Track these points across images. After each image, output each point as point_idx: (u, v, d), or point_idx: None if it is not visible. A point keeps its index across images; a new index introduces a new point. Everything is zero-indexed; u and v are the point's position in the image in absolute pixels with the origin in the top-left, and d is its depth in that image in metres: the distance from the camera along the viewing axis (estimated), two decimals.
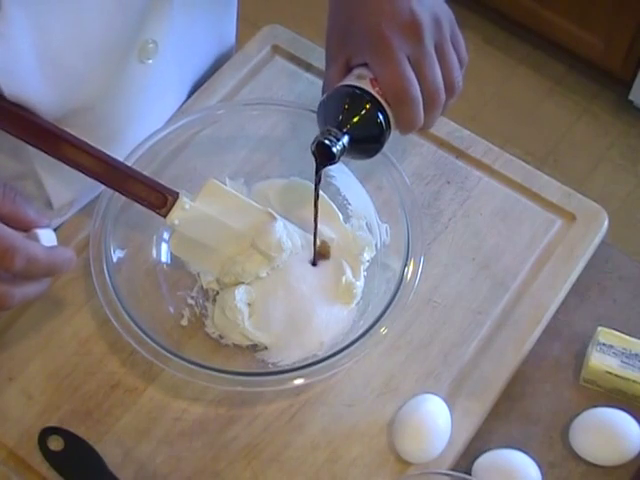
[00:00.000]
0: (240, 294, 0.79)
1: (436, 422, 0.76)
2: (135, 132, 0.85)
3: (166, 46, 0.84)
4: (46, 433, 0.76)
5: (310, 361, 0.75)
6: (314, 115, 0.78)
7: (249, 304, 0.80)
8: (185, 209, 0.76)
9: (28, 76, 0.73)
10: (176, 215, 0.76)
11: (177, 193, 0.76)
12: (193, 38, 0.90)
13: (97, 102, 0.81)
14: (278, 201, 0.85)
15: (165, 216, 0.76)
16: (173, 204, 0.76)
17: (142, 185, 0.76)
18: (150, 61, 0.83)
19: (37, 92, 0.75)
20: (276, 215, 0.80)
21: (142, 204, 0.76)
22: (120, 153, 0.79)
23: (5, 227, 0.64)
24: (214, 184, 0.79)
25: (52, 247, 0.69)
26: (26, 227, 0.68)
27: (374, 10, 0.74)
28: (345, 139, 0.73)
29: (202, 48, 0.95)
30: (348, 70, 0.76)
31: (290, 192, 0.86)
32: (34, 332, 0.82)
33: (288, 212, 0.85)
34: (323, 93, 0.78)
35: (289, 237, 0.80)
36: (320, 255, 0.82)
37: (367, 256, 0.83)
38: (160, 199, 0.76)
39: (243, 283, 0.80)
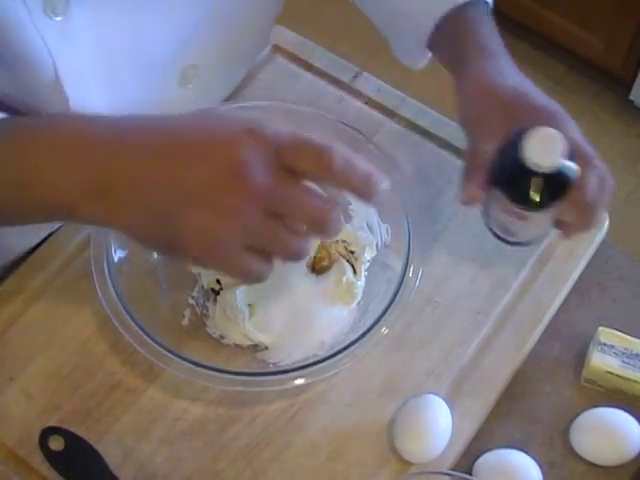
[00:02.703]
0: (241, 294, 0.79)
1: (437, 422, 0.76)
2: None
3: (205, 71, 0.82)
4: (47, 433, 0.76)
5: (311, 361, 0.75)
6: (315, 115, 0.78)
7: (250, 304, 0.80)
8: None
9: (91, 84, 0.72)
10: None
11: None
12: (230, 62, 0.90)
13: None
14: None
15: None
16: None
17: None
18: (190, 86, 0.82)
19: (98, 102, 0.74)
20: None
21: None
22: None
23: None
24: None
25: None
26: None
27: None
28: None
29: (237, 71, 0.95)
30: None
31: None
32: (34, 332, 0.82)
33: None
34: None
35: None
36: (321, 266, 0.82)
37: (368, 256, 0.83)
38: None
39: (244, 283, 0.80)
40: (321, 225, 0.58)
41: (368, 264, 0.83)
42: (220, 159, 0.55)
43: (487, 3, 0.82)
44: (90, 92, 0.74)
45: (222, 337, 0.80)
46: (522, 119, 0.71)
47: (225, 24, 0.81)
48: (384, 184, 0.59)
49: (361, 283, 0.82)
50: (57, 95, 0.71)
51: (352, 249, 0.83)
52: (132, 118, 0.61)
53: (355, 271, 0.82)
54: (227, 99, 0.93)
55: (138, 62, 0.76)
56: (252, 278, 0.60)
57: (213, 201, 0.55)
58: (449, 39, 0.82)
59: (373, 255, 0.83)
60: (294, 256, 0.59)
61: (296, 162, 0.56)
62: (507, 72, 0.78)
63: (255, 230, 0.57)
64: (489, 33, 0.81)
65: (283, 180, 0.56)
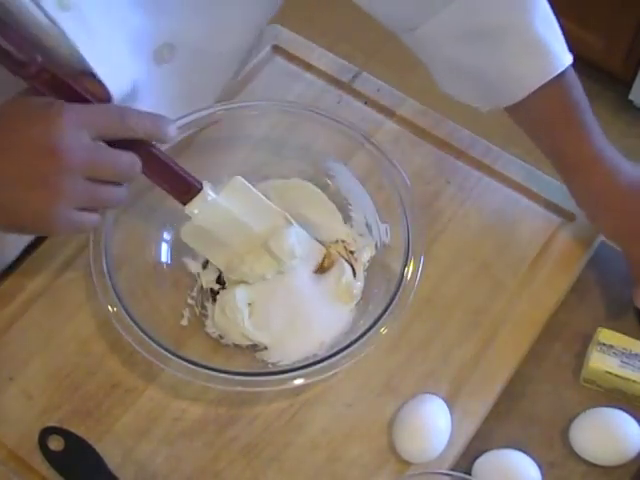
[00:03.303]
0: (240, 294, 0.79)
1: (436, 422, 0.76)
2: None
3: (183, 51, 0.82)
4: (46, 433, 0.76)
5: (310, 361, 0.75)
6: (314, 115, 0.78)
7: (249, 304, 0.80)
8: (206, 201, 0.76)
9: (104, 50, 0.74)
10: (196, 205, 0.76)
11: (201, 184, 0.76)
12: (214, 45, 0.89)
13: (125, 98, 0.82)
14: (278, 202, 0.85)
15: (185, 204, 0.76)
16: (196, 194, 0.75)
17: (169, 169, 0.74)
18: (167, 65, 0.82)
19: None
20: (292, 220, 0.80)
21: (164, 188, 0.75)
22: None
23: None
24: (239, 181, 0.79)
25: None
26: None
27: None
28: None
29: (223, 63, 0.94)
30: None
31: (290, 193, 0.86)
32: (34, 332, 0.82)
33: (289, 213, 0.85)
34: None
35: (300, 244, 0.80)
36: (323, 268, 0.82)
37: (367, 256, 0.83)
38: (183, 187, 0.75)
39: (245, 282, 0.80)
40: (126, 176, 0.70)
41: (367, 264, 0.83)
42: (40, 151, 0.64)
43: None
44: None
45: (221, 337, 0.80)
46: None
47: (209, 5, 0.82)
48: (171, 126, 0.71)
49: (360, 283, 0.82)
50: None
51: (351, 249, 0.83)
52: None
53: (354, 271, 0.82)
54: (220, 100, 0.93)
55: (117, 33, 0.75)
56: (86, 230, 0.71)
57: (45, 186, 0.65)
58: (537, 108, 0.81)
59: (372, 255, 0.83)
60: (114, 204, 0.71)
61: (102, 131, 0.66)
62: (619, 162, 0.81)
63: (78, 196, 0.66)
64: (582, 101, 0.82)
65: (91, 148, 0.66)
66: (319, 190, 0.85)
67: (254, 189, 0.80)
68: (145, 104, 0.84)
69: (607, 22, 1.95)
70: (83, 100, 0.67)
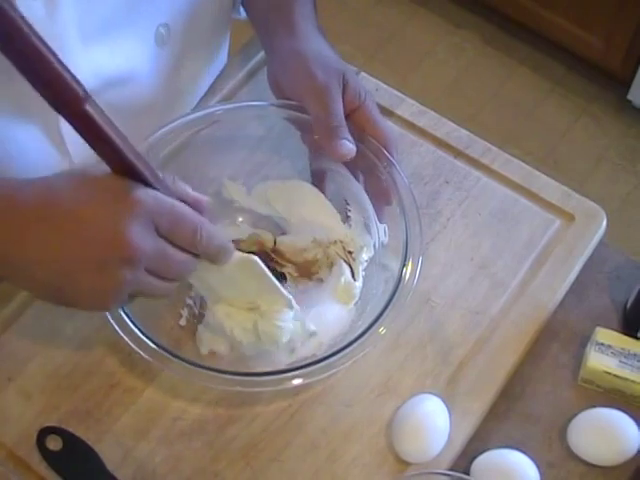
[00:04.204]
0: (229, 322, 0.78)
1: (435, 422, 0.76)
2: (162, 116, 0.86)
3: (182, 32, 0.86)
4: (44, 433, 0.76)
5: (309, 361, 0.75)
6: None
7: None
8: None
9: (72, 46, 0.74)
10: None
11: (85, 91, 0.62)
12: (203, 25, 0.92)
13: (125, 81, 0.83)
14: (278, 202, 0.85)
15: (58, 111, 0.62)
16: (74, 103, 0.61)
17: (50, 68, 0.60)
18: (166, 47, 0.85)
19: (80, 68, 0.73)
20: (295, 306, 0.77)
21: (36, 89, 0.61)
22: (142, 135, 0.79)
23: (187, 207, 0.66)
24: (256, 263, 0.74)
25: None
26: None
27: None
28: None
29: (214, 41, 0.97)
30: None
31: (290, 193, 0.86)
32: (33, 332, 0.82)
33: (288, 213, 0.85)
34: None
35: (294, 325, 0.77)
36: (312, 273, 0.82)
37: (365, 256, 0.83)
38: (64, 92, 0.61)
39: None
40: (180, 276, 0.70)
41: (366, 264, 0.83)
42: (101, 235, 0.62)
43: None
44: (71, 59, 0.71)
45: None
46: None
47: None
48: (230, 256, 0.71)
49: (359, 284, 0.82)
50: None
51: (350, 249, 0.83)
52: (21, 189, 0.63)
53: (353, 272, 0.82)
54: (208, 94, 0.93)
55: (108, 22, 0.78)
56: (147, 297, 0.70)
57: (103, 270, 0.63)
58: None
59: (371, 255, 0.83)
60: (160, 295, 0.70)
61: (171, 236, 0.65)
62: (314, 36, 0.85)
63: (131, 286, 0.65)
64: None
65: (158, 247, 0.64)
66: (317, 190, 0.85)
67: (266, 270, 0.75)
68: (144, 87, 0.85)
69: (607, 22, 1.96)
70: (118, 155, 0.62)
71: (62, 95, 0.58)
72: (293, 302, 0.76)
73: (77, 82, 0.59)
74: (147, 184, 0.64)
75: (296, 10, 0.85)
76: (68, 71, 0.58)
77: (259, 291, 0.75)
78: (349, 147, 0.78)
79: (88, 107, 0.59)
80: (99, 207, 0.62)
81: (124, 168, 0.63)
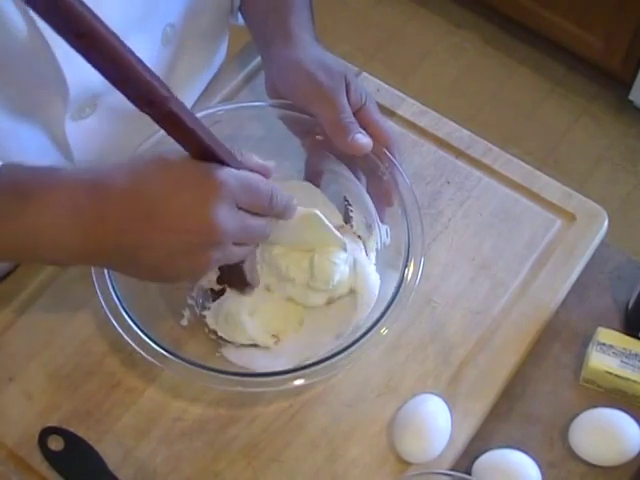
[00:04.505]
0: (244, 307, 0.79)
1: (436, 422, 0.76)
2: None
3: (184, 31, 0.86)
4: (46, 433, 0.76)
5: (310, 362, 0.75)
6: (312, 117, 0.79)
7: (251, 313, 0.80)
8: None
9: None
10: None
11: (170, 92, 0.64)
12: (201, 23, 0.92)
13: None
14: None
15: (145, 112, 0.65)
16: (160, 104, 0.64)
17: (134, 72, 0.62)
18: (170, 46, 0.85)
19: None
20: (348, 249, 0.80)
21: (123, 93, 0.62)
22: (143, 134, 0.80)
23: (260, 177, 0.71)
24: (316, 215, 0.78)
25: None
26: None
27: None
28: None
29: (217, 38, 0.98)
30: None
31: (290, 193, 0.85)
32: (34, 332, 0.82)
33: None
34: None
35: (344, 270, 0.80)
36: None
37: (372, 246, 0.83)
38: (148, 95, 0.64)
39: (251, 290, 0.80)
40: (260, 240, 0.76)
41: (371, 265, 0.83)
42: (193, 224, 0.66)
43: None
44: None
45: (220, 338, 0.80)
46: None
47: None
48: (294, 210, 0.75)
49: (344, 269, 0.80)
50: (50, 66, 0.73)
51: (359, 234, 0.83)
52: (112, 178, 0.66)
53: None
54: (207, 95, 0.93)
55: (125, 22, 0.78)
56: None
57: (196, 253, 0.67)
58: None
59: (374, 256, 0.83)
60: (243, 258, 0.75)
61: (251, 207, 0.69)
62: (310, 42, 0.85)
63: (218, 262, 0.70)
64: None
65: (241, 222, 0.69)
66: (319, 190, 0.85)
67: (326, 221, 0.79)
68: None
69: (607, 22, 1.96)
70: (210, 151, 0.67)
71: (147, 97, 0.61)
72: (347, 246, 0.80)
73: (160, 82, 0.61)
74: (223, 163, 0.68)
75: (292, 19, 0.85)
76: (151, 72, 0.61)
77: (318, 239, 0.78)
78: (365, 140, 0.79)
79: (173, 106, 0.62)
80: (185, 197, 0.65)
81: (203, 153, 0.67)
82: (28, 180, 0.67)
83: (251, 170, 0.71)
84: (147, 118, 0.63)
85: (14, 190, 0.66)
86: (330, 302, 0.81)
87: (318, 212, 0.77)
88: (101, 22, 0.57)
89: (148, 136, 0.81)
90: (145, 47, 0.84)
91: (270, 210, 0.71)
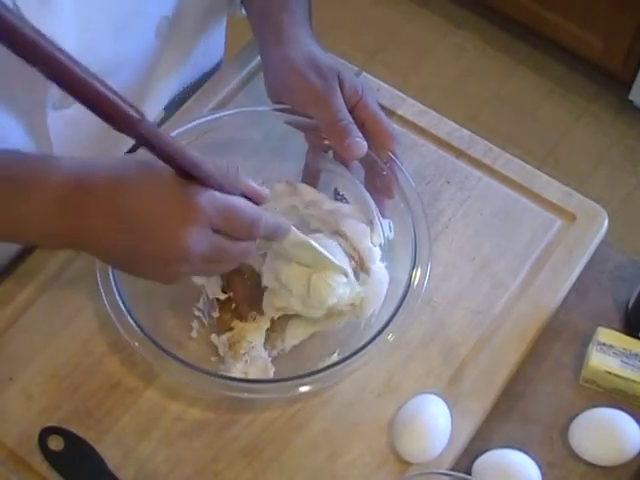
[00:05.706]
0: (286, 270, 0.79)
1: (436, 422, 0.76)
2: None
3: (178, 24, 0.87)
4: (46, 433, 0.76)
5: (314, 369, 0.75)
6: (311, 119, 0.79)
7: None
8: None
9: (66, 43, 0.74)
10: None
11: (140, 113, 0.64)
12: (202, 19, 0.93)
13: (119, 68, 0.83)
14: (277, 205, 0.85)
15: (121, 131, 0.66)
16: (132, 125, 0.64)
17: (104, 97, 0.63)
18: (165, 37, 0.86)
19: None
20: (350, 274, 0.78)
21: (98, 115, 0.63)
22: None
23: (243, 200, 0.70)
24: (310, 244, 0.76)
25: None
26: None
27: None
28: None
29: (212, 31, 0.98)
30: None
31: (289, 196, 0.85)
32: (34, 332, 0.82)
33: (287, 215, 0.84)
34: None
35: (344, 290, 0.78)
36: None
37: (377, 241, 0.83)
38: (120, 117, 0.64)
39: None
40: (242, 260, 0.75)
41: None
42: (162, 238, 0.67)
43: None
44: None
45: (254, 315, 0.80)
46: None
47: None
48: (287, 233, 0.74)
49: (342, 292, 0.78)
50: None
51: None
52: (98, 176, 0.68)
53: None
54: (203, 97, 0.92)
55: (114, 15, 0.78)
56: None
57: (164, 264, 0.69)
58: None
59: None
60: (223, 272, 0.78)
61: (228, 232, 0.69)
62: (308, 42, 0.85)
63: (192, 272, 0.72)
64: None
65: (214, 244, 0.69)
66: (320, 192, 0.85)
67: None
68: (130, 75, 0.85)
69: (607, 22, 1.96)
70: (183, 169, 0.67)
71: (117, 121, 0.61)
72: (349, 271, 0.78)
73: (129, 105, 0.61)
74: (208, 184, 0.68)
75: (285, 18, 0.85)
76: (119, 96, 0.60)
77: (315, 262, 0.77)
78: (361, 145, 0.78)
79: (142, 129, 0.62)
80: (161, 212, 0.67)
81: (184, 173, 0.67)
82: (20, 167, 0.68)
83: (243, 194, 0.71)
84: None
85: (8, 178, 0.68)
86: (329, 317, 0.80)
87: (312, 241, 0.75)
88: (60, 50, 0.56)
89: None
90: (139, 39, 0.85)
91: (251, 235, 0.70)
